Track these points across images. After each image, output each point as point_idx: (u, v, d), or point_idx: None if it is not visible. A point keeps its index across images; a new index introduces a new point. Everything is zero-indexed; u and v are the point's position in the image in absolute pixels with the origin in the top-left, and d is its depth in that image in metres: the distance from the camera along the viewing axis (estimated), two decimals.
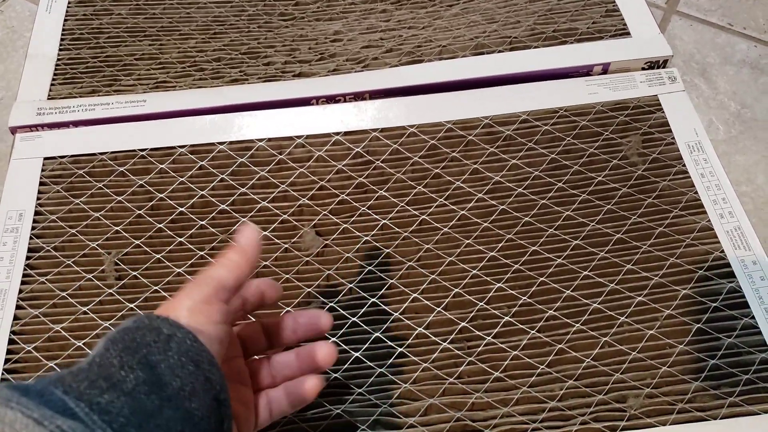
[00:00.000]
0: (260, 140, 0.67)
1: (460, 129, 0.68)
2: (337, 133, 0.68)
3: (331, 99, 0.74)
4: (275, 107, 0.73)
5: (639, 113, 0.69)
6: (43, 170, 0.64)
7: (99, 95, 0.74)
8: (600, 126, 0.68)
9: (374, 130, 0.68)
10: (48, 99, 0.74)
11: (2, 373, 0.53)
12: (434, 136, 0.68)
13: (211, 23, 0.81)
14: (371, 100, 0.72)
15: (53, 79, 0.76)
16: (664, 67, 0.76)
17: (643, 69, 0.75)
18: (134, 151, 0.66)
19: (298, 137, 0.67)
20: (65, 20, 0.81)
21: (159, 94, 0.74)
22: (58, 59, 0.77)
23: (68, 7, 0.82)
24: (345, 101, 0.74)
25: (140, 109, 0.73)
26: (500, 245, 0.60)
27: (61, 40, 0.79)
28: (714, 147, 0.68)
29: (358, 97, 0.74)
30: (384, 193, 0.63)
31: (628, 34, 0.77)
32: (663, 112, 0.69)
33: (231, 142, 0.67)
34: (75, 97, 0.74)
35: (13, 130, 0.72)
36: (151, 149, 0.66)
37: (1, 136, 0.75)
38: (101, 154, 0.66)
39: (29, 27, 0.84)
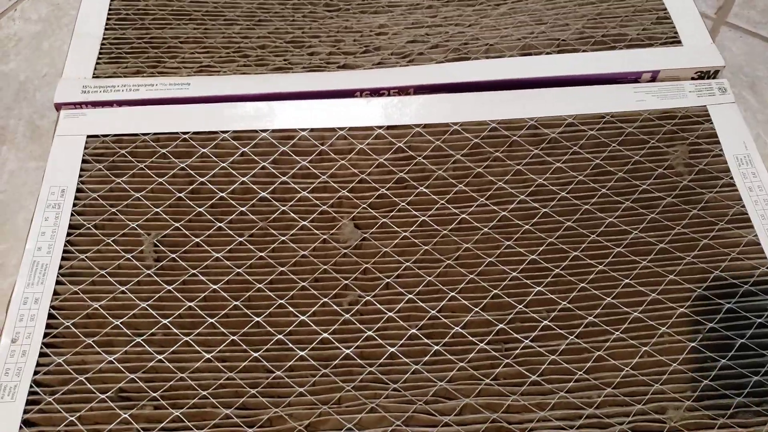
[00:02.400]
0: (303, 130, 0.66)
1: (504, 129, 0.67)
2: (380, 127, 0.67)
3: (375, 92, 0.74)
4: (319, 98, 0.72)
5: (687, 123, 0.68)
6: (86, 148, 0.64)
7: (143, 76, 0.74)
8: (647, 134, 0.67)
9: (417, 125, 0.68)
10: (93, 77, 0.74)
11: (41, 347, 0.53)
12: (478, 135, 0.67)
13: (256, 10, 0.81)
14: (415, 95, 0.71)
15: (98, 58, 0.75)
16: (714, 78, 0.75)
17: (693, 79, 0.74)
18: (177, 133, 0.66)
19: (341, 129, 0.67)
20: (111, 0, 0.80)
21: (203, 78, 0.73)
22: (104, 38, 0.77)
23: None
24: (389, 95, 0.73)
25: (184, 92, 0.73)
26: (541, 249, 0.60)
27: (107, 19, 0.79)
28: (761, 161, 0.66)
29: (402, 91, 0.74)
30: (424, 190, 0.63)
31: (679, 42, 0.76)
32: (712, 123, 0.68)
33: (274, 131, 0.67)
34: (120, 76, 0.74)
35: (58, 107, 0.72)
36: (194, 133, 0.66)
37: (44, 112, 0.75)
38: (144, 135, 0.66)
39: (74, 5, 0.84)
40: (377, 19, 0.80)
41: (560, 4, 0.80)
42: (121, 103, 0.72)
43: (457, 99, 0.70)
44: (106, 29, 0.78)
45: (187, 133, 0.66)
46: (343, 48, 0.77)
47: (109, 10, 0.80)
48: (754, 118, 0.77)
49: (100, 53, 0.76)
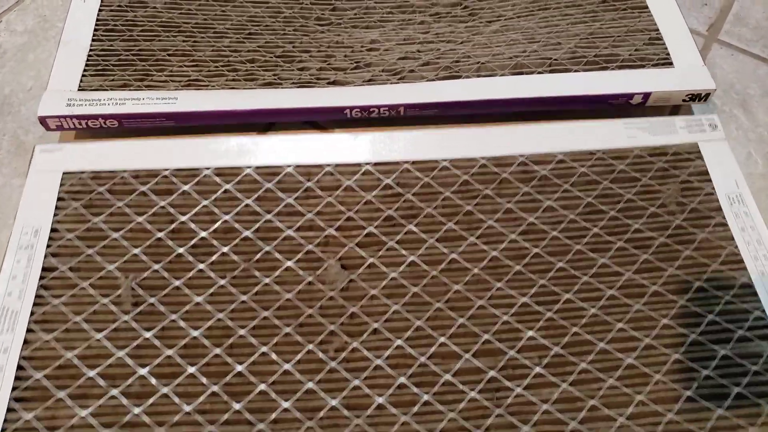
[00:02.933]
0: (288, 166, 0.58)
1: (494, 165, 0.59)
2: (368, 163, 0.59)
3: (366, 110, 0.65)
4: (309, 114, 0.65)
5: (678, 160, 0.60)
6: (62, 185, 0.56)
7: (130, 89, 0.65)
8: (638, 171, 0.60)
9: (406, 162, 0.59)
10: (79, 90, 0.65)
11: (9, 402, 0.45)
12: (467, 171, 0.59)
13: (246, 23, 0.71)
14: (403, 130, 0.63)
15: (85, 70, 0.67)
16: (705, 101, 0.67)
17: (684, 101, 0.66)
18: (157, 170, 0.57)
19: (328, 165, 0.58)
20: (100, 10, 0.71)
21: (191, 93, 0.65)
22: (91, 49, 0.68)
23: None
24: (380, 113, 0.65)
25: (171, 106, 0.64)
26: (533, 291, 0.52)
27: (95, 30, 0.70)
28: (752, 181, 0.59)
29: (393, 109, 0.66)
30: (413, 228, 0.55)
31: (671, 64, 0.68)
32: (703, 160, 0.60)
33: (258, 167, 0.58)
34: (106, 89, 0.65)
35: (43, 120, 0.63)
36: (175, 169, 0.57)
37: (29, 126, 0.66)
38: (123, 171, 0.57)
39: (61, 17, 0.74)
40: (369, 35, 0.71)
41: (553, 23, 0.71)
42: (106, 117, 0.64)
43: (446, 134, 0.62)
44: (93, 40, 0.69)
45: (168, 169, 0.57)
46: (333, 63, 0.68)
47: (97, 20, 0.71)
48: (745, 136, 0.69)
49: (86, 65, 0.67)
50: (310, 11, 0.73)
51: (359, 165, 0.58)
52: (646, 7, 0.72)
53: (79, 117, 0.63)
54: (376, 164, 0.58)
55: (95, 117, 0.63)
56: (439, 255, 0.53)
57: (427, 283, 0.52)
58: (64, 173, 0.56)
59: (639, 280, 0.53)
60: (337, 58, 0.69)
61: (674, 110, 0.69)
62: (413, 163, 0.59)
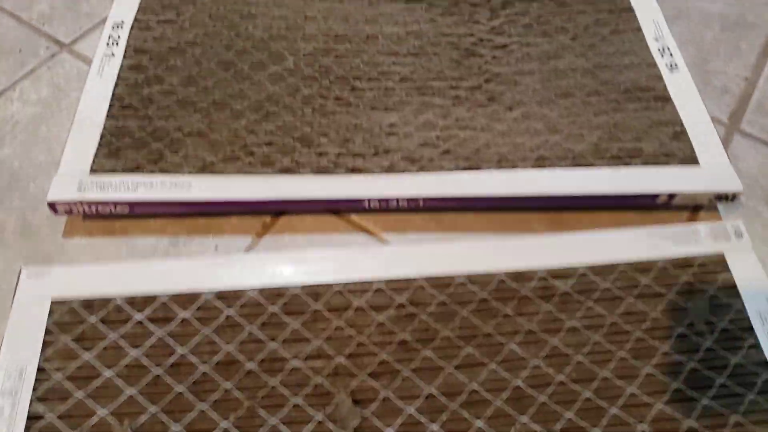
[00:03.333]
0: (295, 286, 0.51)
1: (513, 281, 0.52)
2: (379, 280, 0.52)
3: (385, 201, 0.59)
4: (326, 204, 0.59)
5: (704, 272, 0.54)
6: (50, 315, 0.48)
7: (143, 173, 0.59)
8: (663, 286, 0.53)
9: (420, 278, 0.52)
10: (91, 172, 0.58)
11: None
12: (485, 288, 0.52)
13: (264, 102, 0.65)
14: (420, 244, 0.56)
15: (98, 149, 0.60)
16: (732, 200, 0.60)
17: (710, 200, 0.59)
18: (154, 295, 0.50)
19: (337, 284, 0.52)
20: (116, 85, 0.64)
21: (205, 178, 0.58)
22: (105, 128, 0.62)
23: (120, 71, 0.65)
24: (398, 205, 0.59)
25: (185, 192, 0.58)
26: (559, 427, 0.45)
27: (110, 106, 0.63)
28: None
29: (412, 202, 0.59)
30: (429, 354, 0.48)
31: (696, 161, 0.61)
32: (730, 272, 0.54)
33: (262, 289, 0.51)
34: (118, 172, 0.59)
35: (53, 205, 0.57)
36: (174, 295, 0.50)
37: (36, 205, 0.60)
38: (117, 297, 0.50)
39: (76, 86, 0.68)
40: (388, 117, 0.64)
41: (575, 112, 0.64)
42: (117, 203, 0.57)
43: (462, 247, 0.55)
44: (107, 117, 0.63)
45: (166, 294, 0.50)
46: (352, 149, 0.62)
47: (113, 95, 0.64)
48: None
49: (99, 144, 0.61)
50: (329, 90, 0.66)
51: (370, 283, 0.51)
52: (669, 99, 0.65)
53: (89, 202, 0.57)
54: (388, 281, 0.51)
55: (106, 203, 0.57)
56: (458, 385, 0.46)
57: (447, 419, 0.45)
58: (52, 302, 0.49)
59: (671, 414, 0.46)
60: (356, 142, 0.63)
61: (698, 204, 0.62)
62: (427, 279, 0.52)
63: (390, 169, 0.60)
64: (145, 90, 0.64)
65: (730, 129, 0.69)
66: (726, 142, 0.68)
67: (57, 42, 0.71)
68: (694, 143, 0.61)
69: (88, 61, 0.70)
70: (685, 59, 0.73)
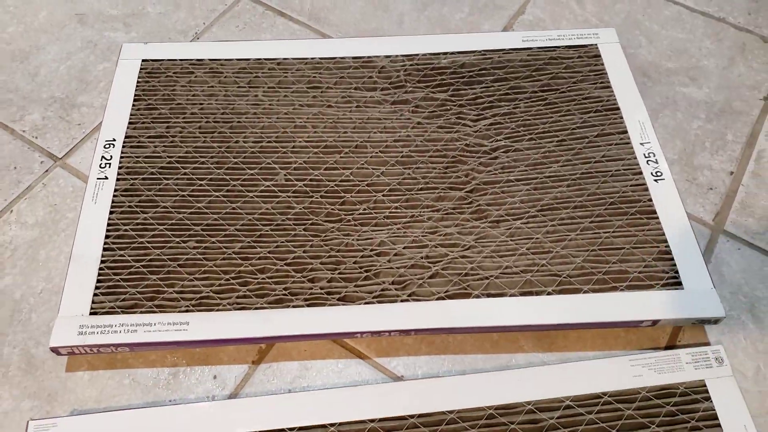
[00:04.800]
0: (290, 430, 0.52)
1: (501, 416, 0.54)
2: (372, 420, 0.53)
3: (376, 333, 0.59)
4: (318, 338, 0.59)
5: (686, 402, 0.55)
6: None
7: (141, 311, 0.59)
8: (646, 417, 0.54)
9: (412, 416, 0.54)
10: (90, 314, 0.59)
11: None
12: (475, 424, 0.53)
13: (257, 222, 0.65)
14: (412, 380, 0.57)
15: (96, 287, 0.61)
16: (715, 323, 0.61)
17: (693, 323, 0.60)
18: None
19: (331, 425, 0.53)
20: (110, 212, 0.65)
21: (202, 316, 0.59)
22: (102, 260, 0.62)
23: (114, 196, 0.66)
24: (390, 334, 0.59)
25: (182, 333, 0.58)
26: None
27: (106, 236, 0.63)
28: (761, 399, 0.53)
29: (404, 333, 0.59)
30: None
31: (680, 284, 0.61)
32: (711, 401, 0.55)
33: None
34: (117, 312, 0.59)
35: (56, 350, 0.57)
36: None
37: (39, 337, 0.61)
38: None
39: (72, 205, 0.68)
40: (377, 235, 0.65)
41: (561, 230, 0.65)
42: (118, 346, 0.58)
43: (453, 383, 0.56)
44: (104, 249, 0.63)
45: None
46: (343, 272, 0.62)
47: (108, 224, 0.64)
48: (753, 347, 0.63)
49: (97, 281, 0.61)
50: (320, 206, 0.66)
51: (364, 422, 0.53)
52: (654, 213, 0.66)
53: (91, 347, 0.58)
54: (381, 420, 0.53)
55: (107, 347, 0.58)
56: None
57: None
58: None
59: None
60: (347, 265, 0.63)
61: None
62: (419, 416, 0.53)
63: (380, 296, 0.61)
64: (140, 216, 0.64)
65: (715, 231, 0.69)
66: (710, 245, 0.68)
67: (51, 156, 0.71)
68: (678, 264, 0.62)
69: (82, 177, 0.70)
70: (671, 155, 0.73)
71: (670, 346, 0.62)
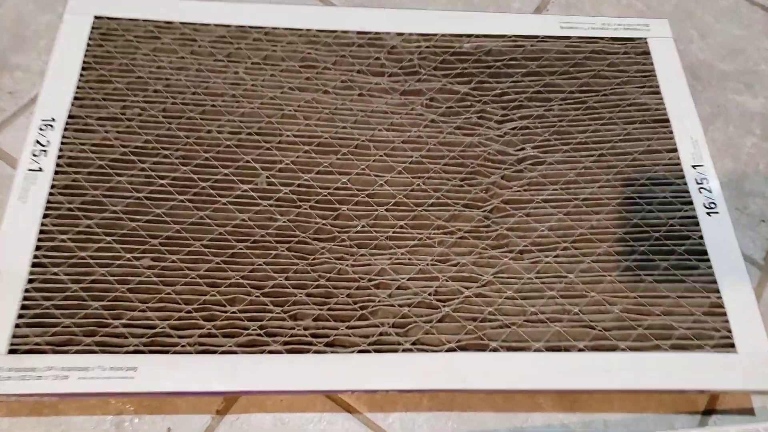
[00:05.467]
0: None
1: None
2: None
3: (371, 392, 0.48)
4: (299, 395, 0.49)
5: None
6: None
7: (77, 350, 0.46)
8: None
9: None
10: (9, 352, 0.46)
11: None
12: None
13: (230, 237, 0.52)
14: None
15: (19, 315, 0.47)
16: None
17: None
18: None
19: None
20: (44, 215, 0.51)
21: (154, 360, 0.47)
22: (29, 280, 0.49)
23: (50, 194, 0.51)
24: (387, 391, 0.48)
25: (128, 383, 0.46)
26: None
27: (36, 248, 0.49)
28: None
29: (404, 392, 0.48)
30: None
31: (732, 345, 0.51)
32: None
33: None
34: (44, 351, 0.46)
35: None
36: None
37: None
38: None
39: None
40: (377, 261, 0.52)
41: (597, 272, 0.53)
42: (44, 396, 0.45)
43: None
44: (33, 266, 0.49)
45: None
46: (333, 307, 0.50)
47: (40, 233, 0.51)
48: None
49: (21, 309, 0.48)
50: (309, 219, 0.53)
51: None
52: (706, 254, 0.54)
53: (6, 395, 0.44)
54: None
55: (28, 396, 0.45)
56: None
57: None
58: None
59: None
60: (338, 299, 0.51)
61: None
62: None
63: (377, 342, 0.49)
64: (82, 222, 0.51)
65: (765, 272, 0.58)
66: (758, 289, 0.58)
67: None
68: (731, 322, 0.51)
69: (11, 162, 0.55)
70: (720, 176, 0.61)
71: (708, 411, 0.53)
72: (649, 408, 0.52)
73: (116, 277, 0.49)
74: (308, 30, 0.62)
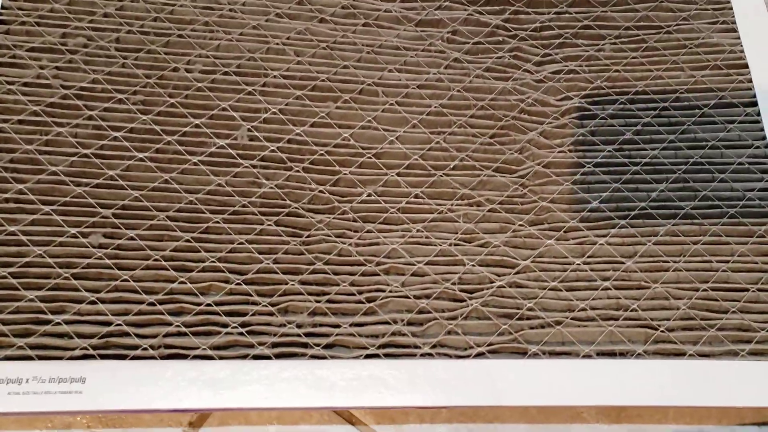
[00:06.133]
0: None
1: None
2: None
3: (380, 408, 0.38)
4: (287, 411, 0.38)
5: None
6: None
7: (5, 355, 0.37)
8: None
9: None
10: None
11: None
12: None
13: (202, 207, 0.42)
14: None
15: None
16: None
17: None
18: None
19: None
20: None
21: (107, 368, 0.37)
22: None
23: None
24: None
25: (74, 399, 0.36)
26: None
27: None
28: None
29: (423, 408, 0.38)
30: None
31: None
32: None
33: None
34: None
35: None
36: None
37: None
38: None
39: None
40: (387, 240, 0.43)
41: (659, 257, 0.43)
42: None
43: None
44: None
45: None
46: (334, 298, 0.41)
47: None
48: None
49: None
50: (302, 185, 0.44)
51: None
52: None
53: None
54: None
55: None
56: None
57: None
58: None
59: None
60: (340, 287, 0.41)
61: None
62: None
63: (389, 345, 0.39)
64: (11, 187, 0.39)
65: None
66: None
67: None
68: None
69: None
70: None
71: None
72: (709, 419, 0.44)
73: (57, 259, 0.38)
74: None
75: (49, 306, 0.38)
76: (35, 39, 0.44)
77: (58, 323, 0.38)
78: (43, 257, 0.39)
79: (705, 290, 0.42)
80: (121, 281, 0.39)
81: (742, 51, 0.49)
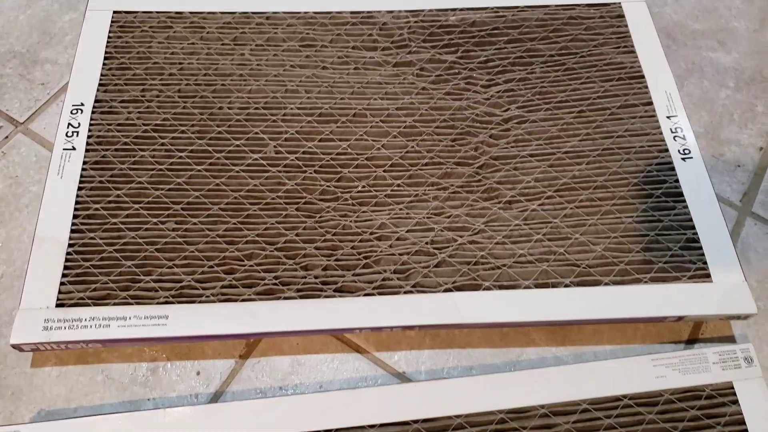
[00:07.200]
0: None
1: (513, 420, 0.48)
2: (372, 426, 0.47)
3: (377, 329, 0.53)
4: (312, 333, 0.53)
5: (712, 405, 0.49)
6: None
7: (114, 302, 0.52)
8: (669, 421, 0.48)
9: (416, 421, 0.47)
10: (57, 306, 0.51)
11: None
12: (484, 430, 0.48)
13: (243, 200, 0.57)
14: (415, 381, 0.51)
15: (63, 275, 0.53)
16: (745, 319, 0.54)
17: (721, 319, 0.54)
18: None
19: (333, 428, 0.47)
20: (79, 188, 0.56)
21: (183, 309, 0.51)
22: (70, 245, 0.54)
23: (83, 169, 0.57)
24: (391, 329, 0.53)
25: (161, 329, 0.51)
26: None
27: (74, 216, 0.55)
28: None
29: (407, 328, 0.53)
30: None
31: (708, 276, 0.55)
32: (738, 405, 0.49)
33: None
34: (87, 304, 0.52)
35: (17, 347, 0.50)
36: None
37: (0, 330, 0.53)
38: None
39: (36, 178, 0.59)
40: (378, 216, 0.57)
41: (581, 216, 0.57)
42: (88, 343, 0.50)
43: (460, 385, 0.50)
44: (72, 231, 0.55)
45: None
46: (340, 258, 0.55)
47: (76, 203, 0.56)
48: None
49: (65, 268, 0.53)
50: (314, 182, 0.58)
51: (362, 429, 0.47)
52: (681, 196, 0.58)
53: (57, 344, 0.50)
54: (382, 426, 0.47)
55: (76, 342, 0.50)
56: None
57: None
58: None
59: None
60: (344, 250, 0.56)
61: None
62: (424, 421, 0.47)
63: (381, 287, 0.53)
64: (112, 193, 0.56)
65: (742, 213, 0.62)
66: (737, 228, 0.61)
67: (11, 120, 0.62)
68: (707, 254, 0.55)
69: (47, 145, 0.61)
70: (696, 127, 0.65)
71: (692, 340, 0.56)
72: (635, 339, 0.56)
73: (145, 239, 0.54)
74: (306, 12, 0.67)
75: (141, 270, 0.54)
76: (124, 94, 0.62)
77: (148, 282, 0.54)
78: (135, 238, 0.55)
79: (615, 237, 0.57)
80: (189, 252, 0.55)
81: (639, 66, 0.65)
